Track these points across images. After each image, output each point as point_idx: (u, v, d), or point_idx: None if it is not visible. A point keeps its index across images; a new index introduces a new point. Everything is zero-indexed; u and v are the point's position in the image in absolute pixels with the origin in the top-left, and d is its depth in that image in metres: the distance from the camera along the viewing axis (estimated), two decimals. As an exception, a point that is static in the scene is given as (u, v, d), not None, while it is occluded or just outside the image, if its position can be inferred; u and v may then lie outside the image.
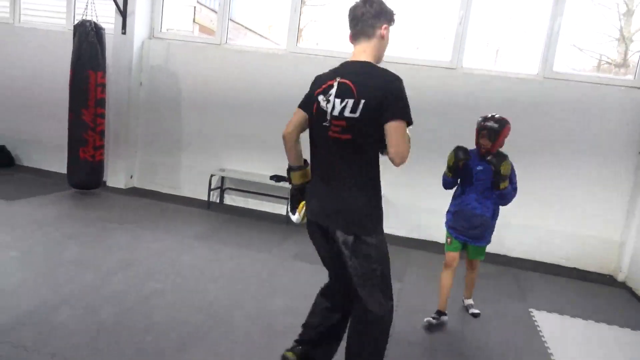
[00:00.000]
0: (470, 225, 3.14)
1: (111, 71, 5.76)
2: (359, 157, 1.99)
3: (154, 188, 6.03)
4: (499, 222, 3.27)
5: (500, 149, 3.10)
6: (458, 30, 5.13)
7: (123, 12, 5.69)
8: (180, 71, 5.85)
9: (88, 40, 5.25)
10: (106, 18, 5.66)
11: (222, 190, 5.86)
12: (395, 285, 2.42)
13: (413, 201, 5.21)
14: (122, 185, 6.01)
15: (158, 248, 4.06)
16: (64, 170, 5.68)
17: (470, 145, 3.17)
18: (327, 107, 2.01)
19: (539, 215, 4.96)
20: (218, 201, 5.87)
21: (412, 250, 4.83)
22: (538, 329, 3.39)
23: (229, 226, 5.04)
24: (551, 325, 3.47)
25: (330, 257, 2.21)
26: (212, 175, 5.61)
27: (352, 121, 1.94)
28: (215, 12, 6.10)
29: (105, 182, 5.93)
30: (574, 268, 4.91)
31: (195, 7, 7.15)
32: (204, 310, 3.06)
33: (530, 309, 3.70)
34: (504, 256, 4.98)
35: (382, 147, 1.95)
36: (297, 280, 3.76)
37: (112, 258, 3.72)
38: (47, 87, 6.19)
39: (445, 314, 3.23)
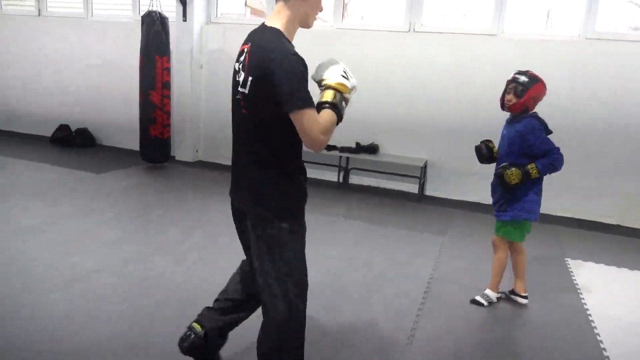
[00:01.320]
0: (493, 196, 2.97)
1: (174, 56, 6.35)
2: (264, 135, 1.70)
3: (217, 161, 6.65)
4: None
5: (530, 111, 2.82)
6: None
7: (183, 1, 6.24)
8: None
9: (154, 29, 5.84)
10: (168, 7, 6.24)
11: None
12: (437, 239, 2.81)
13: (458, 165, 5.50)
14: (189, 159, 6.67)
15: (225, 210, 4.63)
16: (136, 147, 6.40)
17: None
18: (238, 77, 1.76)
19: (580, 173, 5.11)
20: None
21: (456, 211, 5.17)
22: (571, 273, 3.68)
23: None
24: (585, 271, 3.74)
25: (244, 241, 1.98)
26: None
27: (246, 97, 1.69)
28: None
29: (174, 157, 6.62)
30: (618, 225, 5.06)
31: (246, -9, 7.61)
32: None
33: (566, 258, 3.97)
34: (545, 215, 5.21)
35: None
36: (347, 236, 4.23)
37: (190, 217, 4.34)
38: (119, 73, 6.90)
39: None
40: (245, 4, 7.02)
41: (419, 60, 5.55)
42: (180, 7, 6.28)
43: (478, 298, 3.05)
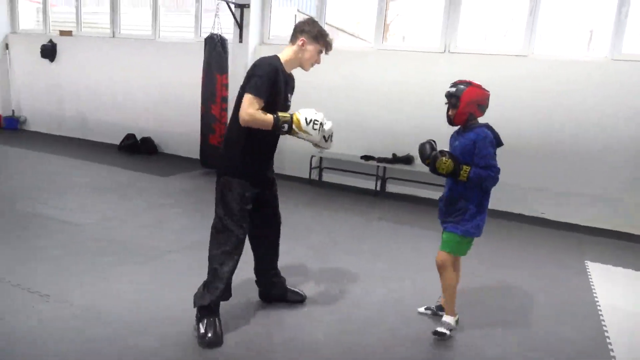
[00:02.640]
0: (445, 206, 2.83)
1: (231, 73, 7.08)
2: (234, 117, 2.55)
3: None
4: (561, 190, 3.52)
5: (478, 116, 2.75)
6: (528, 20, 5.70)
7: (240, 24, 6.99)
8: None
9: (216, 49, 6.60)
10: (227, 29, 7.00)
11: (320, 169, 6.96)
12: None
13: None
14: (239, 166, 7.34)
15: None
16: (193, 155, 7.12)
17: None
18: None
19: (604, 185, 5.40)
20: (317, 179, 6.97)
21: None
22: (588, 273, 4.02)
23: (328, 197, 6.12)
24: (601, 272, 4.07)
25: (263, 201, 2.85)
26: (312, 157, 6.73)
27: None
28: (311, 17, 7.18)
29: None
30: (644, 235, 5.29)
31: (295, 15, 8.32)
32: (310, 246, 4.14)
33: (586, 261, 4.31)
34: (569, 223, 5.50)
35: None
36: (379, 234, 4.73)
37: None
38: (181, 89, 7.71)
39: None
40: (295, 27, 7.74)
41: (452, 79, 6.00)
42: (237, 30, 7.03)
43: (440, 329, 2.79)
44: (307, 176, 6.81)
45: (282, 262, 3.13)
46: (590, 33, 6.80)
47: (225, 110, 6.85)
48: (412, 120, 6.20)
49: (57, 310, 2.78)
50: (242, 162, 2.61)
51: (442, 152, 2.67)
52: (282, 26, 7.70)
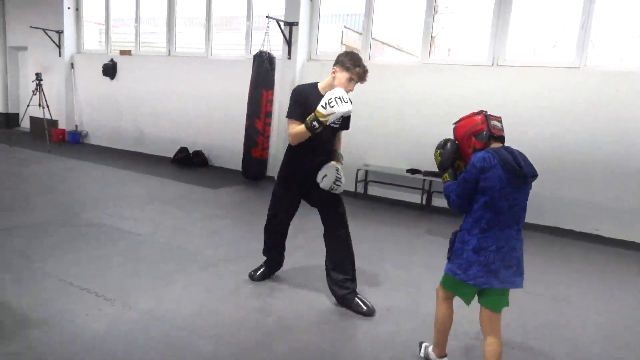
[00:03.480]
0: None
1: (278, 87, 7.31)
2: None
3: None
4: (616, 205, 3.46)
5: (479, 148, 2.27)
6: (580, 34, 5.58)
7: (289, 42, 7.22)
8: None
9: (263, 66, 6.85)
10: (275, 46, 7.25)
11: (366, 182, 7.02)
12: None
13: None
14: (286, 179, 7.53)
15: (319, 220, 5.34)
16: (237, 167, 7.38)
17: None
18: None
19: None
20: (362, 192, 7.03)
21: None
22: (647, 293, 3.86)
23: (373, 210, 6.16)
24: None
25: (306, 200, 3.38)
26: (358, 170, 6.81)
27: None
28: (359, 33, 7.32)
29: (267, 175, 7.52)
30: None
31: (342, 31, 8.50)
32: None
33: (644, 280, 4.13)
34: (626, 241, 5.27)
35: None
36: (426, 247, 4.72)
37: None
38: (230, 103, 8.02)
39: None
40: (341, 43, 7.88)
41: (501, 92, 5.95)
42: (286, 47, 7.26)
43: (422, 354, 2.69)
44: (352, 189, 6.89)
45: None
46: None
47: (269, 125, 7.07)
48: (459, 133, 6.17)
49: (122, 314, 2.97)
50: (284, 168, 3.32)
51: (443, 144, 2.47)
52: (329, 43, 7.89)
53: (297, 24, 7.14)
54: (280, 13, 7.25)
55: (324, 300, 3.36)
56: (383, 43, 9.58)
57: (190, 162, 8.32)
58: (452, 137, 2.46)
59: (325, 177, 3.04)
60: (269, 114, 7.10)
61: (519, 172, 2.16)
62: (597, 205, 5.51)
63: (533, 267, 4.00)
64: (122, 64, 9.47)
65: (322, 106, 2.82)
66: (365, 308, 3.15)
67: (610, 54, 6.26)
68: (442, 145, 2.48)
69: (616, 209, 5.41)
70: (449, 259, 2.38)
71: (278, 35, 7.23)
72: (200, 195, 6.31)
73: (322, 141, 3.10)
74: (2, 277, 3.36)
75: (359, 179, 6.88)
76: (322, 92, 3.00)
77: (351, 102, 2.85)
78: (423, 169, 6.40)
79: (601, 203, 5.48)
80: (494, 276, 2.20)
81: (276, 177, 3.36)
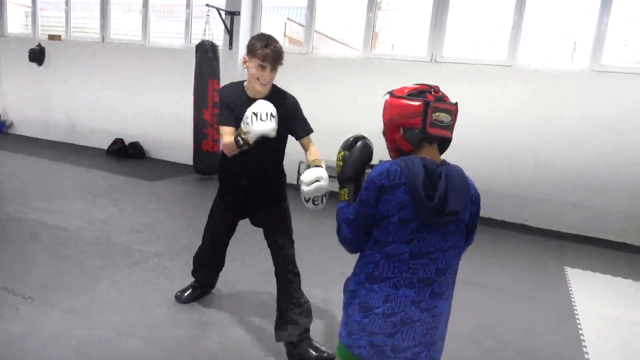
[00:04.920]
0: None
1: (222, 79, 7.13)
2: None
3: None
4: (551, 197, 3.71)
5: (406, 150, 1.57)
6: (512, 33, 5.84)
7: (230, 32, 7.05)
8: (276, 76, 7.09)
9: (207, 56, 6.66)
10: (216, 36, 7.06)
11: (299, 174, 7.01)
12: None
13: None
14: (228, 172, 7.38)
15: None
16: (183, 161, 7.15)
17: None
18: None
19: (589, 193, 5.53)
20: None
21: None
22: (567, 277, 4.12)
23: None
24: (580, 278, 4.17)
25: None
26: (300, 163, 6.78)
27: None
28: (302, 25, 7.28)
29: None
30: (624, 243, 5.41)
31: (285, 23, 8.42)
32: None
33: (566, 267, 4.41)
34: (552, 230, 5.61)
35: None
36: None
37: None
38: (170, 94, 7.74)
39: None
40: (284, 35, 7.80)
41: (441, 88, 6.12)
42: (227, 37, 7.09)
43: None
44: (295, 182, 6.86)
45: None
46: (573, 44, 6.99)
47: (217, 115, 6.90)
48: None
49: (42, 313, 2.78)
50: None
51: (351, 143, 1.71)
52: (271, 34, 7.79)
53: (238, 13, 6.98)
54: (221, 2, 7.06)
55: (258, 297, 3.32)
56: (327, 37, 9.59)
57: (126, 154, 7.96)
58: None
59: (321, 182, 2.15)
60: (216, 104, 6.89)
61: (424, 204, 1.40)
62: (526, 197, 5.81)
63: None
64: (51, 49, 8.87)
65: (243, 122, 2.27)
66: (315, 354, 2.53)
67: (542, 54, 6.59)
68: (348, 145, 1.70)
69: (544, 200, 5.73)
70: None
71: (219, 25, 7.04)
72: (135, 188, 6.05)
73: (263, 151, 2.49)
74: None
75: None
76: (246, 91, 2.51)
77: (274, 118, 2.23)
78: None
79: (531, 195, 5.78)
80: (379, 356, 1.45)
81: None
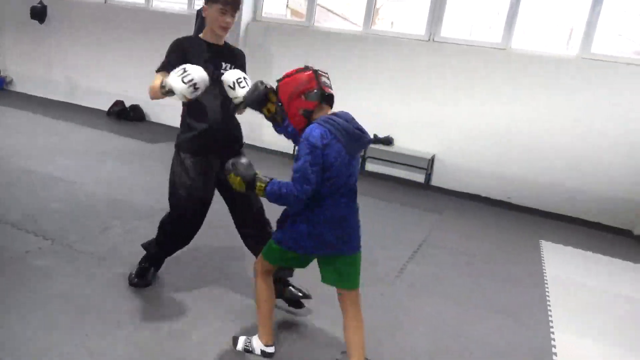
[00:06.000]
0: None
1: (222, 47, 7.26)
2: None
3: (250, 142, 7.56)
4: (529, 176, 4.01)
5: (306, 110, 2.06)
6: (508, 16, 6.04)
7: (234, 0, 7.15)
8: (275, 48, 7.25)
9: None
10: (220, 4, 7.16)
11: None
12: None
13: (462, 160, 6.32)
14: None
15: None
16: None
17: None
18: None
19: (566, 173, 5.85)
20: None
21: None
22: (541, 249, 4.47)
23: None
24: (553, 249, 4.53)
25: None
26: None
27: None
28: (305, -2, 7.40)
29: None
30: (597, 222, 5.77)
31: (288, -7, 8.54)
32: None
33: (541, 240, 4.75)
34: (530, 208, 5.96)
35: None
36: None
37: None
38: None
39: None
40: (287, 6, 7.91)
41: (435, 68, 6.34)
42: (231, 5, 7.19)
43: (240, 344, 2.36)
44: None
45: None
46: (570, 31, 7.20)
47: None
48: (395, 104, 6.54)
49: (62, 254, 3.05)
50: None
51: (234, 165, 2.07)
52: (274, 4, 7.89)
53: (243, -18, 7.09)
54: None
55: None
56: (328, 10, 9.69)
57: (126, 116, 8.12)
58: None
59: (231, 73, 2.47)
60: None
61: (361, 138, 2.06)
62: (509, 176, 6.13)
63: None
64: (53, 7, 8.88)
65: (178, 77, 2.34)
66: None
67: (539, 39, 6.80)
68: (232, 167, 2.08)
69: (529, 180, 6.05)
70: (278, 227, 2.17)
71: (223, -8, 7.14)
72: (136, 148, 6.27)
73: (219, 105, 2.62)
74: None
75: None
76: (211, 41, 2.61)
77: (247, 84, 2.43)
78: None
79: (515, 174, 6.10)
80: (324, 245, 2.08)
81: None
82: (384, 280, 3.37)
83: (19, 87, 9.50)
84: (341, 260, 2.15)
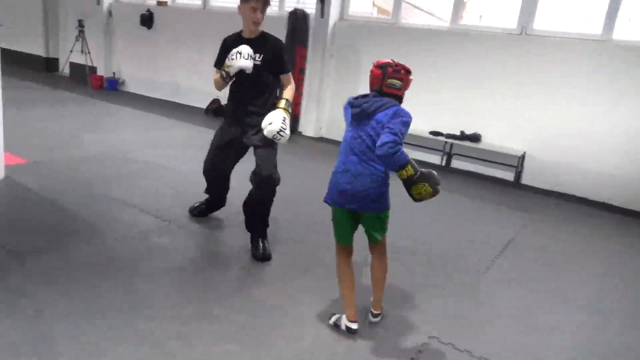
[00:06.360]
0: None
1: (310, 45, 7.58)
2: None
3: (338, 138, 7.81)
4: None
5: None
6: (610, 6, 5.69)
7: (322, 0, 7.44)
8: (362, 45, 7.42)
9: (298, 23, 7.11)
10: (310, 4, 7.47)
11: (388, 141, 7.35)
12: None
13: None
14: (312, 134, 7.91)
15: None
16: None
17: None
18: None
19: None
20: (385, 150, 7.38)
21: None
22: (642, 252, 4.23)
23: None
24: None
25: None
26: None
27: None
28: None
29: (300, 132, 7.90)
30: None
31: (375, -8, 8.66)
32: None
33: None
34: (632, 210, 5.58)
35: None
36: (440, 202, 5.13)
37: (311, 174, 5.52)
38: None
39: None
40: (373, 4, 8.05)
41: (529, 62, 6.12)
42: (320, 5, 7.48)
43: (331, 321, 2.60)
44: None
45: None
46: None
47: (302, 80, 7.40)
48: (483, 100, 6.43)
49: (182, 230, 3.47)
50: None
51: (432, 177, 2.34)
52: (361, 3, 8.06)
53: (332, -18, 7.33)
54: (316, -29, 7.42)
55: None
56: (414, 6, 9.67)
57: (222, 113, 8.72)
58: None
59: (270, 125, 2.93)
60: (302, 71, 7.42)
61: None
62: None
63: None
64: (158, 14, 9.77)
65: (228, 58, 3.02)
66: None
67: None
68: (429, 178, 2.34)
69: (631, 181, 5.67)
70: None
71: (312, -7, 7.44)
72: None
73: (246, 87, 3.18)
74: (75, 193, 3.90)
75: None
76: (243, 36, 3.17)
77: (252, 59, 2.98)
78: (445, 132, 6.70)
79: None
80: (341, 197, 2.42)
81: None
82: (472, 274, 3.42)
83: (129, 87, 10.55)
84: (370, 221, 2.49)
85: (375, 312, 2.62)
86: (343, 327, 2.51)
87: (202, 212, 3.79)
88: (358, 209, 2.44)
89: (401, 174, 2.27)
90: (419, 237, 3.98)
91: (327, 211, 2.61)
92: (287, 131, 2.97)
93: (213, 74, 3.25)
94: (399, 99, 2.46)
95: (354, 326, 2.49)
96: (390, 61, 2.44)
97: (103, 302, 2.54)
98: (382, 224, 2.50)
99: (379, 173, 2.37)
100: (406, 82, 2.45)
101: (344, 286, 2.54)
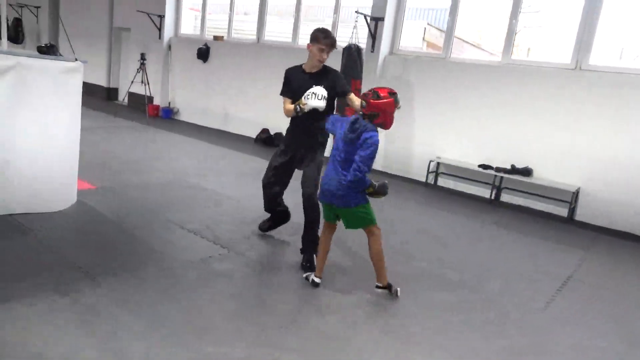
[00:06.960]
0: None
1: (364, 79, 7.74)
2: None
3: (384, 170, 7.87)
4: None
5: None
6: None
7: (373, 36, 7.64)
8: (412, 79, 7.53)
9: (352, 57, 7.32)
10: (360, 39, 7.68)
11: (437, 173, 7.35)
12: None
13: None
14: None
15: (395, 202, 5.76)
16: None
17: None
18: None
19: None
20: (433, 182, 7.37)
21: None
22: None
23: (442, 199, 6.51)
24: None
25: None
26: (430, 161, 7.15)
27: None
28: (440, 30, 7.61)
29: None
30: None
31: (425, 28, 8.81)
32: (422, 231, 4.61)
33: None
34: None
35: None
36: (491, 236, 5.04)
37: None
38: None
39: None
40: (423, 39, 8.20)
41: (582, 98, 6.03)
42: (371, 41, 7.69)
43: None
44: (423, 180, 7.25)
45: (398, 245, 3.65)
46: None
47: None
48: (535, 134, 6.36)
49: (236, 259, 3.60)
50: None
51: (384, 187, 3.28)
52: (410, 38, 8.22)
53: (382, 19, 7.54)
54: (367, 8, 7.66)
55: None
56: (462, 40, 9.74)
57: (271, 143, 8.99)
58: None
59: (313, 88, 3.42)
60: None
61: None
62: None
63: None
64: (214, 48, 10.28)
65: (304, 96, 3.40)
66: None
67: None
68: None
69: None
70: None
71: (363, 29, 7.66)
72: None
73: (310, 114, 3.50)
74: (142, 219, 4.13)
75: (430, 170, 7.22)
76: (304, 69, 3.62)
77: (325, 99, 3.38)
78: (494, 165, 6.63)
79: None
80: (322, 194, 3.27)
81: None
82: (532, 310, 3.36)
83: (182, 116, 11.06)
84: (342, 212, 3.26)
85: (377, 283, 3.30)
86: (310, 280, 3.32)
87: (270, 227, 4.19)
88: (332, 203, 3.24)
89: (368, 190, 3.16)
90: (472, 271, 3.95)
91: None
92: (313, 102, 3.37)
93: (284, 101, 3.73)
94: (375, 117, 3.14)
95: (318, 280, 3.31)
96: (376, 88, 3.18)
97: (173, 324, 2.67)
98: (353, 217, 3.25)
99: (344, 179, 3.12)
100: (375, 104, 3.10)
101: (319, 251, 3.37)
